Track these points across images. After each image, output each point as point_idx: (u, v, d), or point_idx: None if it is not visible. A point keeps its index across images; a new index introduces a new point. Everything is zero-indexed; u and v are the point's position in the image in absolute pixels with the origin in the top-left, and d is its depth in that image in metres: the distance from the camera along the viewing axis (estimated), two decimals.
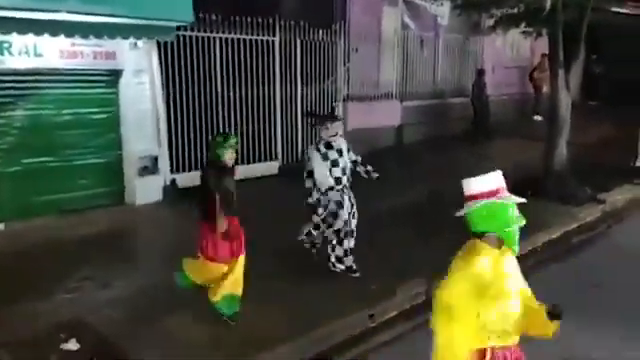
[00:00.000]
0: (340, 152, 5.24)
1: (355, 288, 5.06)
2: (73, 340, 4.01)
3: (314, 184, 5.24)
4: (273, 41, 9.76)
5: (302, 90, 10.37)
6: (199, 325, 4.35)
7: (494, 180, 2.37)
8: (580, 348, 4.23)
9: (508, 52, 15.17)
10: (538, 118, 15.01)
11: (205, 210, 4.38)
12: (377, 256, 5.72)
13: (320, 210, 5.25)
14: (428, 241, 6.14)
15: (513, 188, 7.80)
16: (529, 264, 6.04)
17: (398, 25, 12.66)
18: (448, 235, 6.25)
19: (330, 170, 5.18)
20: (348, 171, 5.31)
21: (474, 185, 2.36)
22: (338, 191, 5.21)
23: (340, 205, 5.19)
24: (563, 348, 4.12)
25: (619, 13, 13.59)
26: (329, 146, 5.22)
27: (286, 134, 10.23)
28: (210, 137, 4.78)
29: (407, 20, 12.86)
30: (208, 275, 4.48)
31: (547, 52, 14.45)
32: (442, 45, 13.67)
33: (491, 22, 9.16)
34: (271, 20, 9.61)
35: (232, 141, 4.41)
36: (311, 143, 10.21)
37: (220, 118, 9.13)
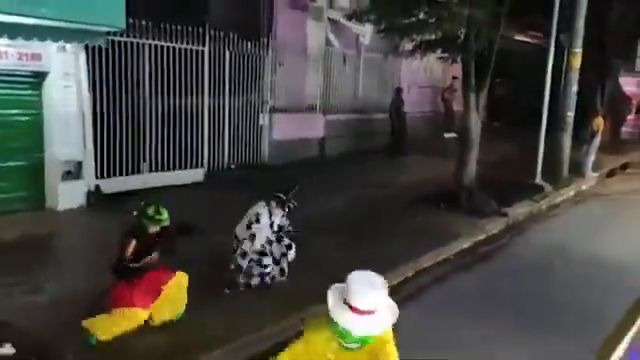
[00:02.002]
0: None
1: (289, 294, 5.33)
2: (8, 345, 3.98)
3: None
4: (202, 51, 9.87)
5: (230, 100, 10.54)
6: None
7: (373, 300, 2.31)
8: (489, 346, 4.76)
9: (422, 73, 16.11)
10: (449, 135, 16.07)
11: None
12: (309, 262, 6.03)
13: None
14: (349, 248, 6.56)
15: (429, 200, 8.53)
16: (445, 270, 6.64)
17: (322, 41, 13.15)
18: (367, 241, 6.76)
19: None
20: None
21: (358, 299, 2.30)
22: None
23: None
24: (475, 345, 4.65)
25: (521, 41, 14.88)
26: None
27: (213, 142, 10.34)
28: (142, 202, 4.59)
29: (331, 37, 13.41)
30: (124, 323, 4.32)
31: (456, 75, 15.60)
32: (363, 63, 14.33)
33: (411, 46, 9.79)
34: (201, 30, 9.73)
35: (163, 217, 4.41)
36: (236, 155, 10.54)
37: (148, 125, 9.10)
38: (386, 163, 12.42)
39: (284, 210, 5.43)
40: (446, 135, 16.25)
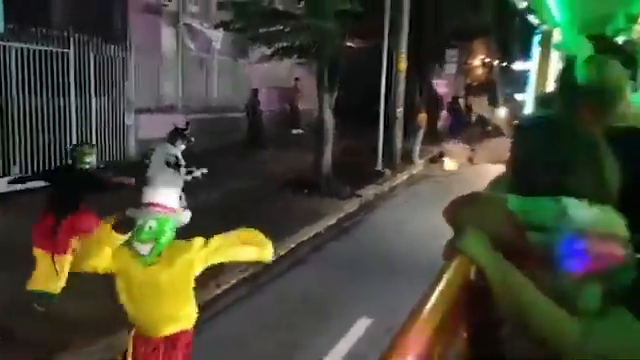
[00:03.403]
0: None
1: None
2: None
3: None
4: (67, 53, 10.02)
5: (96, 102, 10.78)
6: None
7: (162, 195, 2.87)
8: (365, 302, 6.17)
9: (270, 75, 17.45)
10: (296, 131, 17.64)
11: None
12: None
13: None
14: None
15: (294, 187, 10.10)
16: (319, 241, 7.99)
17: (179, 44, 13.79)
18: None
19: None
20: None
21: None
22: None
23: None
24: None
25: (357, 46, 16.89)
26: None
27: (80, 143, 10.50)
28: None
29: (187, 41, 14.10)
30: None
31: (299, 77, 17.21)
32: (217, 65, 15.21)
33: (269, 52, 10.99)
34: (65, 33, 9.89)
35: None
36: (103, 154, 10.83)
37: (15, 126, 9.08)
38: (249, 156, 13.49)
39: (186, 143, 6.36)
40: (293, 131, 17.80)
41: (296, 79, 18.01)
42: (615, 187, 1.40)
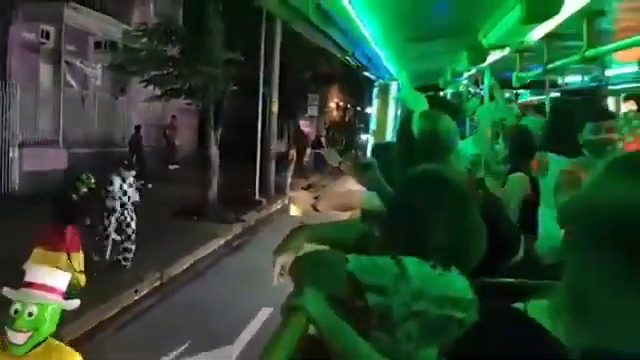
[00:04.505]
0: None
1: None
2: None
3: None
4: None
5: None
6: None
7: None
8: None
9: (149, 112, 18.27)
10: (173, 167, 18.54)
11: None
12: None
13: None
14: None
15: (182, 215, 11.64)
16: (214, 258, 9.24)
17: (60, 81, 14.23)
18: None
19: None
20: None
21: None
22: None
23: None
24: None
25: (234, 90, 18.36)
26: None
27: None
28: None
29: (69, 77, 14.58)
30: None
31: (175, 114, 18.26)
32: (97, 102, 15.79)
33: (159, 92, 12.06)
34: None
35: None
36: None
37: None
38: None
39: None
40: (170, 167, 18.64)
41: (173, 116, 19.00)
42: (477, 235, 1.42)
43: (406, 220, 1.44)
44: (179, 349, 5.82)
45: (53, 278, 2.47)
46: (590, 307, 0.79)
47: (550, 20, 2.32)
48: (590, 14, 2.67)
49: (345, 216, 2.37)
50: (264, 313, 6.74)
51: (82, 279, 6.06)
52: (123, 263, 7.58)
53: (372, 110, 7.08)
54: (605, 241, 0.77)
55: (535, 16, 2.16)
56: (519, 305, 1.06)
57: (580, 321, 0.80)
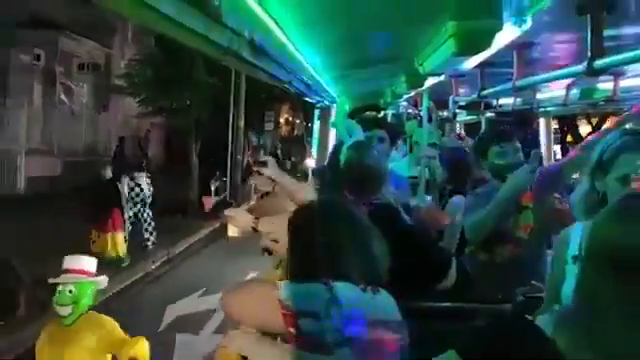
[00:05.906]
0: None
1: None
2: None
3: None
4: None
5: None
6: None
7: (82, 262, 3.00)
8: None
9: (128, 125, 20.41)
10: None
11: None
12: None
13: None
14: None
15: (171, 213, 14.57)
16: (204, 242, 11.74)
17: (55, 98, 16.36)
18: None
19: None
20: None
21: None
22: None
23: None
24: None
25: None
26: None
27: None
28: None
29: (62, 97, 16.71)
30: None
31: (149, 128, 20.47)
32: (86, 117, 17.95)
33: (149, 109, 14.44)
34: None
35: None
36: None
37: None
38: None
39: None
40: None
41: (148, 130, 21.18)
42: (383, 263, 1.46)
43: (300, 244, 1.52)
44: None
45: (84, 263, 3.03)
46: (596, 327, 0.87)
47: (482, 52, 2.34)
48: (519, 46, 2.74)
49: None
50: (248, 275, 9.27)
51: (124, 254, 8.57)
52: (146, 244, 10.02)
53: (314, 132, 7.05)
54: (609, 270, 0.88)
55: (467, 50, 2.19)
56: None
57: (585, 338, 0.88)
